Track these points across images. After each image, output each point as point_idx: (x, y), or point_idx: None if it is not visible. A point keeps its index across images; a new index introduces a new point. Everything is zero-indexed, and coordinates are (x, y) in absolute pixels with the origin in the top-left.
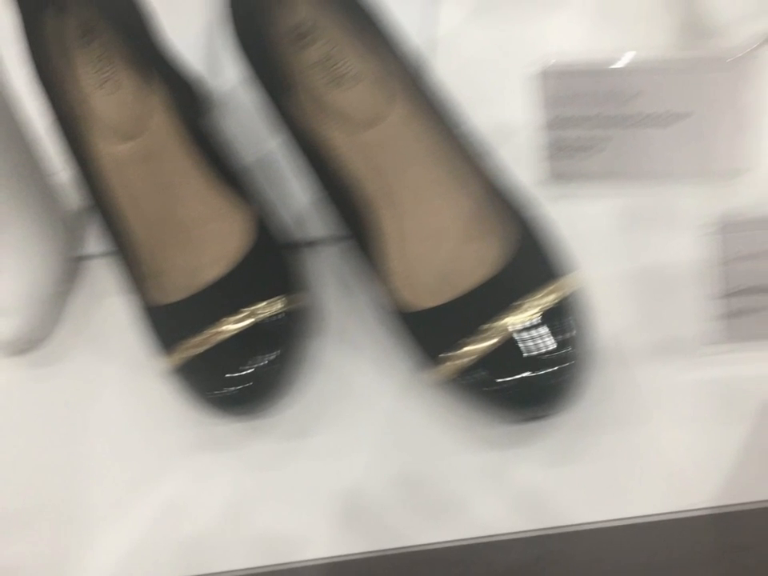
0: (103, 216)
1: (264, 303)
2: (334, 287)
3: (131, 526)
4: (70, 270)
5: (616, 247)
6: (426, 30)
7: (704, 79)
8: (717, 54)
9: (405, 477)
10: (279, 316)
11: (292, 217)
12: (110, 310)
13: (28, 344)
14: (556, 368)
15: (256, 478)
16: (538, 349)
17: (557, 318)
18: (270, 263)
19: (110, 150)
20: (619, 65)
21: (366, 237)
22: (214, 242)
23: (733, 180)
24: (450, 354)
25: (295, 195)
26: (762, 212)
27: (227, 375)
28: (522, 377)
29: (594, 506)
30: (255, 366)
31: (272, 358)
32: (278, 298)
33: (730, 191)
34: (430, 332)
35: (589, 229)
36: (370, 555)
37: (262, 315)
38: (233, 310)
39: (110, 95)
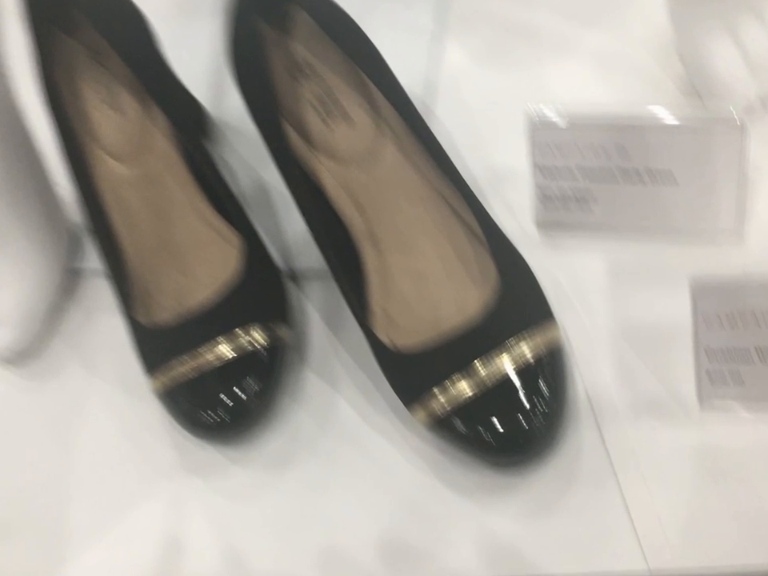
0: (97, 233)
1: (247, 329)
2: (318, 319)
3: (108, 546)
4: (69, 282)
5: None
6: (429, 73)
7: (704, 139)
8: (719, 115)
9: (382, 517)
10: (262, 343)
11: (281, 247)
12: (104, 327)
13: (21, 355)
14: (534, 413)
15: (234, 508)
16: (517, 394)
17: (537, 365)
18: (257, 291)
19: (107, 171)
20: (614, 118)
21: (351, 272)
22: (203, 268)
23: (724, 241)
24: (425, 398)
25: (286, 226)
26: (748, 274)
27: (207, 399)
28: (499, 422)
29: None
30: (235, 391)
31: (252, 384)
32: (261, 324)
33: (719, 251)
34: (407, 374)
35: (576, 280)
36: None
37: (244, 341)
38: (216, 334)
39: (111, 118)
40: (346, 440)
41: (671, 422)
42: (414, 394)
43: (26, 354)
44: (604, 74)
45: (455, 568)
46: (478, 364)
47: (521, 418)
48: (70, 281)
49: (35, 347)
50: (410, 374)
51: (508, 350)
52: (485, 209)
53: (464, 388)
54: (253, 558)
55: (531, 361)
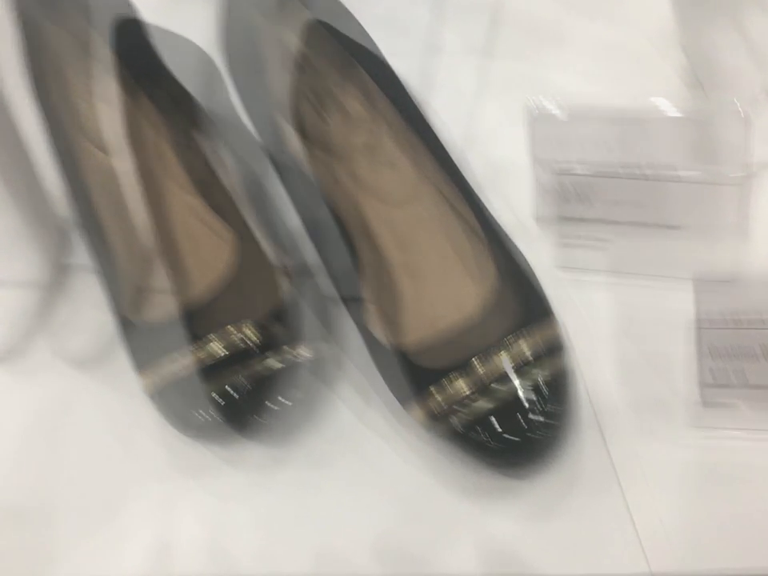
0: (86, 228)
1: (240, 326)
2: (313, 316)
3: (97, 547)
4: (57, 278)
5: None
6: (427, 65)
7: (707, 132)
8: (723, 107)
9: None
10: (254, 340)
11: (275, 242)
12: (93, 324)
13: (8, 352)
14: (533, 413)
15: (227, 508)
16: (516, 393)
17: (536, 363)
18: (250, 287)
19: (96, 164)
20: (615, 110)
21: (346, 268)
22: (195, 264)
23: (727, 237)
24: (422, 397)
25: (280, 221)
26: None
27: (198, 398)
28: (497, 421)
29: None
30: (227, 389)
31: (244, 382)
32: (254, 322)
33: (722, 248)
34: (404, 373)
35: (576, 277)
36: None
37: (236, 338)
38: (207, 332)
39: (100, 110)
40: (341, 439)
41: (674, 422)
42: (410, 393)
43: (13, 351)
44: (605, 66)
45: (454, 571)
46: (476, 362)
47: (519, 417)
48: (58, 276)
49: (22, 344)
50: (407, 372)
51: (506, 348)
52: (483, 204)
53: (462, 386)
54: (245, 559)
55: (530, 358)
